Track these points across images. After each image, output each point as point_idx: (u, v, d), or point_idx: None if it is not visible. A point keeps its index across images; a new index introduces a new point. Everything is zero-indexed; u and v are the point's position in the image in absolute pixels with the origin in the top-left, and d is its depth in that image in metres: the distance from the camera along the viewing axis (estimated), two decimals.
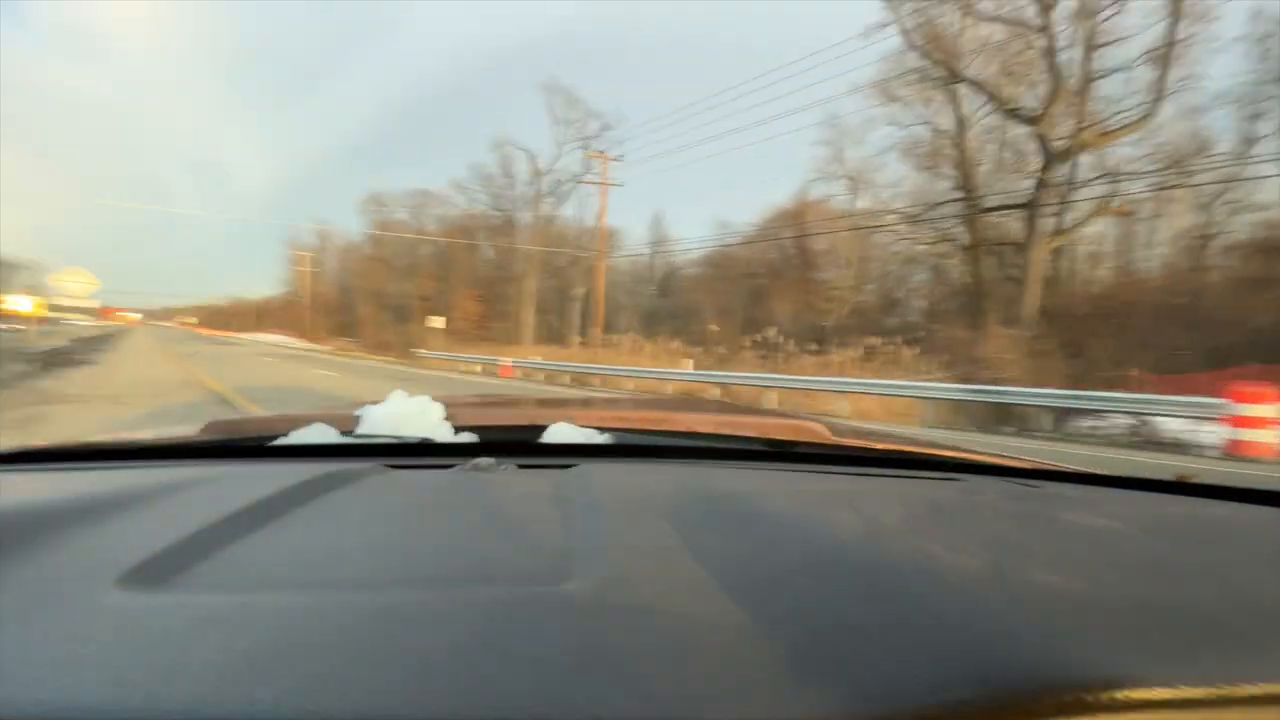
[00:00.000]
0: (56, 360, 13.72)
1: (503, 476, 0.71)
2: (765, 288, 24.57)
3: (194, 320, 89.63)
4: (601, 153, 22.95)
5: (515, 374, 17.19)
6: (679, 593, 0.39)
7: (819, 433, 1.00)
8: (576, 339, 24.43)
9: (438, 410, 0.90)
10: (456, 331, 27.14)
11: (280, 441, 0.85)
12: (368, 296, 37.56)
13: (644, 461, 0.83)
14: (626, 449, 0.89)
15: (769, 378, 12.05)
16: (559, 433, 0.89)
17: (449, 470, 0.74)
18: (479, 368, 18.95)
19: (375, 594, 0.39)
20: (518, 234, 30.27)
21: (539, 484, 0.68)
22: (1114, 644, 0.35)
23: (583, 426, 0.91)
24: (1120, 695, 0.31)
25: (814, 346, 14.88)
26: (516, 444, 0.87)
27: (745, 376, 12.64)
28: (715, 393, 12.43)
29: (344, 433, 0.87)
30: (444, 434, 0.86)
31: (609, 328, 23.25)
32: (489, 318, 30.19)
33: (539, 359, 17.57)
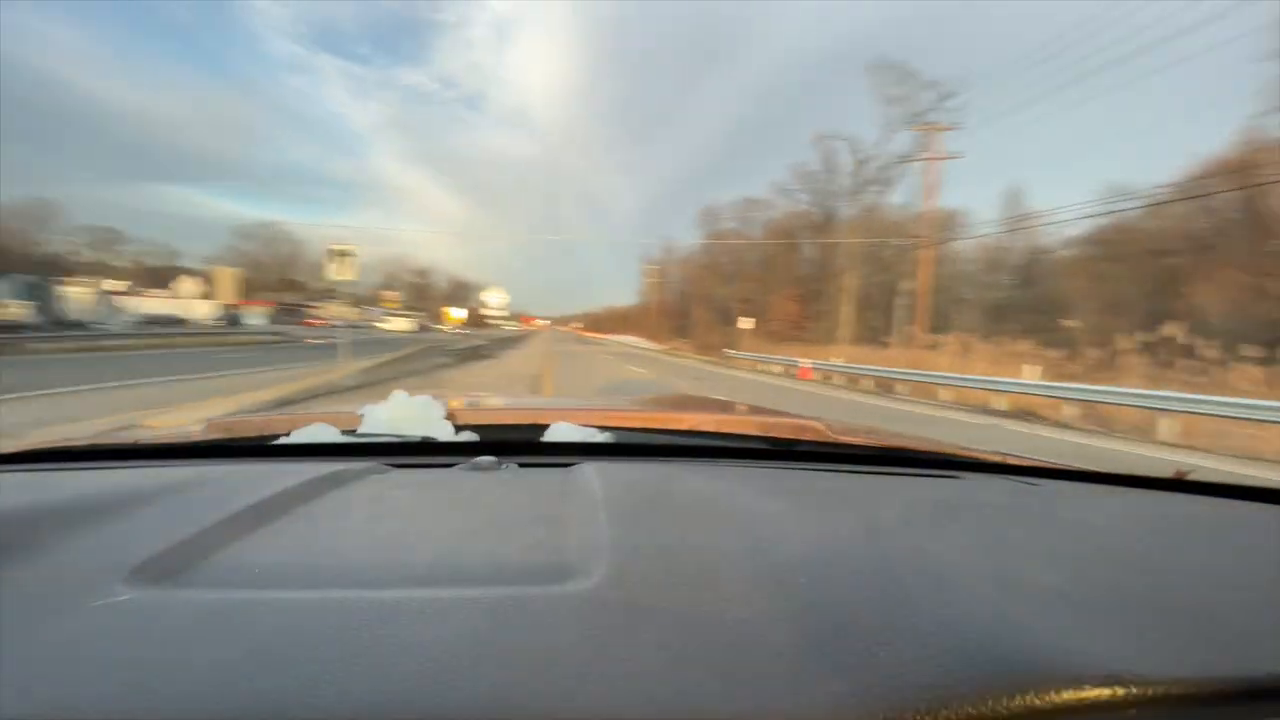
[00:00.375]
0: (469, 355, 18.37)
1: (504, 475, 0.71)
2: (1181, 269, 17.84)
3: (579, 325, 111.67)
4: (931, 124, 19.81)
5: (813, 376, 16.16)
6: (680, 591, 0.40)
7: (820, 431, 1.01)
8: (896, 339, 21.79)
9: (439, 409, 0.91)
10: (772, 332, 27.18)
11: (282, 441, 0.86)
12: (699, 301, 40.75)
13: (645, 460, 0.81)
14: (627, 448, 0.88)
15: (1167, 395, 8.03)
16: (560, 432, 0.89)
17: (450, 469, 0.74)
18: (778, 368, 18.48)
19: (377, 592, 0.39)
20: (838, 229, 28.67)
21: (540, 483, 0.67)
22: (1113, 641, 0.35)
23: (583, 426, 0.90)
24: (1119, 691, 0.31)
25: (1258, 352, 10.00)
26: (517, 443, 0.86)
27: (1127, 392, 8.68)
28: (1071, 412, 9.30)
29: (345, 432, 0.87)
30: (445, 433, 0.86)
31: (946, 325, 20.08)
32: (805, 317, 29.42)
33: (840, 361, 16.09)
